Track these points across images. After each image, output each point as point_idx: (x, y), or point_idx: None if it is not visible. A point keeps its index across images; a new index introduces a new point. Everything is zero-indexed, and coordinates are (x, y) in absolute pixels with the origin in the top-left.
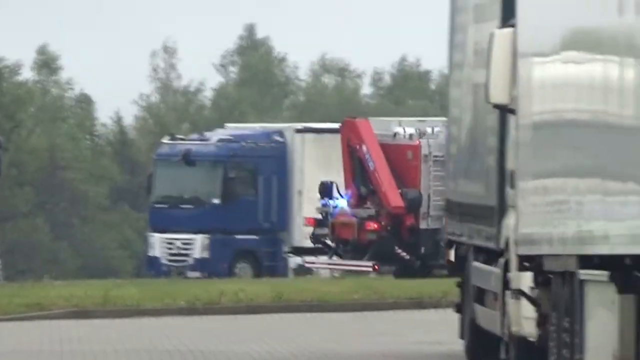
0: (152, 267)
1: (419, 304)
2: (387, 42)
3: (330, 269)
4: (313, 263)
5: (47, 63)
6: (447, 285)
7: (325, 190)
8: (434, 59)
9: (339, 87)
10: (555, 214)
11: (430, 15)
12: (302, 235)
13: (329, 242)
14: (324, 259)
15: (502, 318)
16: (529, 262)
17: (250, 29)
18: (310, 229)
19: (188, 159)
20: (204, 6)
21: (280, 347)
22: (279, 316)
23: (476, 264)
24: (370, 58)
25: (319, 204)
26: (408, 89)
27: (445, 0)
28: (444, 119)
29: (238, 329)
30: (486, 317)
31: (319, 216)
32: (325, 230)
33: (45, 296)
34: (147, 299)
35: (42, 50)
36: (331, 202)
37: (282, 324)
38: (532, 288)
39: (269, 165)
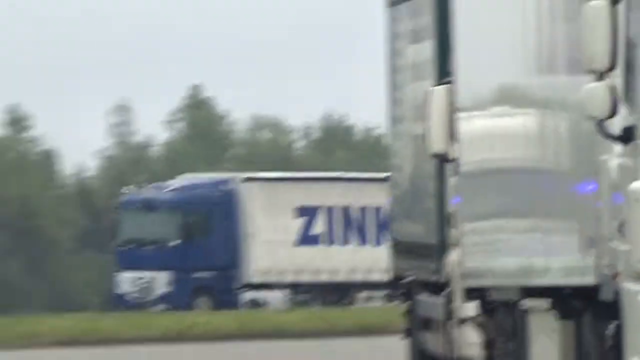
0: (120, 302)
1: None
2: (315, 100)
3: None
4: None
5: (16, 121)
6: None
7: None
8: (355, 114)
9: (273, 140)
10: (496, 251)
11: (352, 75)
12: (253, 273)
13: None
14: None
15: (447, 343)
16: (474, 293)
17: (195, 89)
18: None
19: (148, 206)
20: (155, 69)
21: None
22: (244, 344)
23: (421, 296)
24: (300, 114)
25: (269, 245)
26: (335, 141)
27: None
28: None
29: (209, 355)
30: (432, 342)
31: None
32: None
33: (36, 328)
34: (123, 329)
35: (11, 109)
36: None
37: (246, 350)
38: (477, 316)
39: (220, 211)
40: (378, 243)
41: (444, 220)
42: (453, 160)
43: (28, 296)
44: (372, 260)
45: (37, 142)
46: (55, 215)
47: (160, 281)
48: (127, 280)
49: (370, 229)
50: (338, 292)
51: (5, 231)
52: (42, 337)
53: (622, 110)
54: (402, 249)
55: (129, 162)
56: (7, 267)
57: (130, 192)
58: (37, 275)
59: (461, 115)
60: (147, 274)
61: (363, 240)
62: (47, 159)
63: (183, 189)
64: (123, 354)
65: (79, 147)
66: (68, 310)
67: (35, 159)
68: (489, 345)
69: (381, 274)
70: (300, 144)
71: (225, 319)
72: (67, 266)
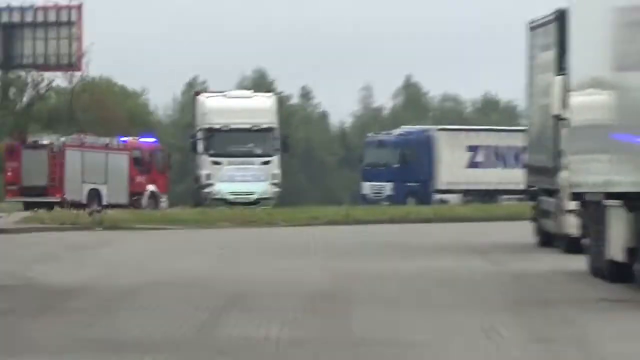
0: (364, 200)
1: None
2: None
3: None
4: None
5: (304, 94)
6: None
7: None
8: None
9: (454, 108)
10: (588, 171)
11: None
12: (441, 183)
13: None
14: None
15: (557, 225)
16: (575, 196)
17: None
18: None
19: (381, 144)
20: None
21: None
22: (436, 224)
23: (543, 198)
24: (470, 91)
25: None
26: (490, 109)
27: None
28: None
29: (420, 230)
30: (549, 225)
31: None
32: None
33: (313, 214)
34: (366, 215)
35: (303, 87)
36: None
37: (436, 227)
38: (576, 209)
39: (423, 147)
40: (515, 167)
41: (558, 153)
42: (565, 119)
43: (308, 196)
44: (511, 177)
45: (316, 106)
46: (326, 149)
47: (387, 188)
48: (368, 187)
49: (510, 159)
50: (490, 195)
51: (296, 159)
52: (317, 219)
53: None
54: (532, 170)
55: (370, 119)
56: (296, 179)
57: (371, 136)
58: (314, 184)
59: (571, 93)
60: (379, 184)
61: (505, 165)
62: (323, 117)
63: (401, 134)
64: (365, 229)
65: (341, 109)
66: (332, 204)
67: (315, 117)
68: (583, 227)
69: (516, 185)
70: (469, 109)
71: (425, 210)
72: (332, 179)
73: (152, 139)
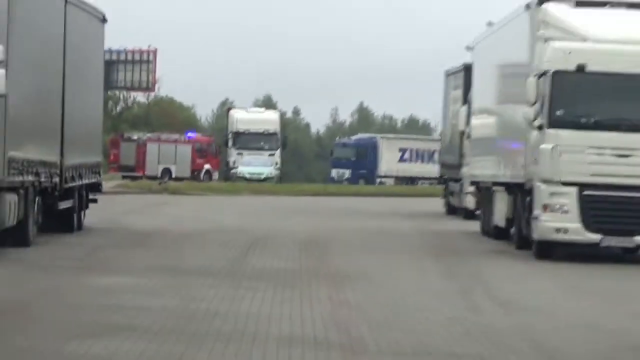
0: (331, 181)
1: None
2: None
3: None
4: None
5: None
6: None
7: None
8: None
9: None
10: (482, 167)
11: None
12: (381, 172)
13: None
14: None
15: (460, 202)
16: (473, 183)
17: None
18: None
19: (344, 145)
20: None
21: None
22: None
23: (451, 183)
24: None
25: None
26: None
27: None
28: None
29: None
30: (454, 201)
31: None
32: None
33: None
34: (336, 190)
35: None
36: None
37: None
38: (473, 191)
39: (371, 148)
40: (429, 163)
41: (461, 155)
42: (467, 133)
43: (297, 177)
44: (427, 169)
45: (302, 119)
46: (308, 147)
47: (347, 173)
48: (334, 172)
49: (426, 158)
50: (412, 181)
51: (289, 152)
52: (304, 192)
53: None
54: (444, 165)
55: (336, 129)
56: (289, 166)
57: (337, 139)
58: (300, 169)
59: (473, 116)
60: (342, 170)
61: (423, 161)
62: (307, 126)
63: (357, 139)
64: (335, 199)
65: (319, 122)
66: (312, 183)
67: (302, 126)
68: (477, 203)
69: (430, 174)
70: (400, 125)
71: (371, 188)
72: (311, 166)
73: (197, 134)
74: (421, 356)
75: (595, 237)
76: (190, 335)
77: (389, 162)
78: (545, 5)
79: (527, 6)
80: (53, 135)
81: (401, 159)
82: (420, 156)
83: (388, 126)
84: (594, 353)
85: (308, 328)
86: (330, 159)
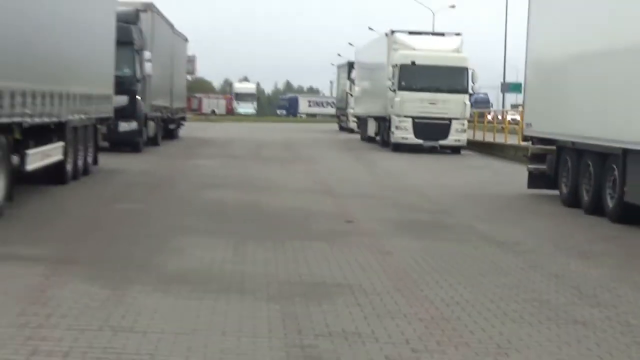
0: None
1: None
2: None
3: None
4: None
5: None
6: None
7: None
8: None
9: None
10: (363, 108)
11: None
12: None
13: None
14: None
15: (347, 124)
16: (356, 116)
17: None
18: None
19: None
20: None
21: None
22: None
23: (341, 116)
24: None
25: None
26: None
27: None
28: None
29: None
30: (344, 124)
31: None
32: None
33: None
34: None
35: None
36: None
37: None
38: (356, 120)
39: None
40: (322, 107)
41: (346, 104)
42: (350, 94)
43: None
44: (327, 111)
45: None
46: None
47: None
48: None
49: (322, 105)
50: (313, 116)
51: None
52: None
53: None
54: (338, 108)
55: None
56: None
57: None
58: None
59: (354, 85)
60: None
61: (319, 107)
62: None
63: None
64: None
65: None
66: None
67: None
68: (358, 125)
69: (328, 113)
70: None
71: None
72: None
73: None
74: (362, 198)
75: (420, 141)
76: (252, 186)
77: (302, 106)
78: (395, 34)
79: (386, 34)
80: (168, 93)
81: (309, 106)
82: (319, 104)
83: (300, 91)
84: (444, 195)
85: (305, 183)
86: (277, 105)
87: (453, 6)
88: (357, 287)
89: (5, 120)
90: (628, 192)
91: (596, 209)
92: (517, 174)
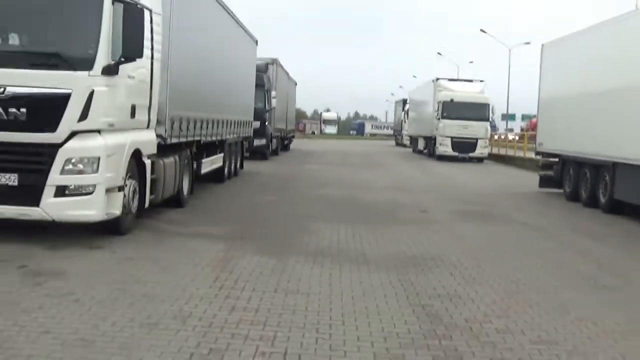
0: None
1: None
2: None
3: None
4: None
5: None
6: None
7: None
8: None
9: None
10: (415, 130)
11: None
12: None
13: None
14: None
15: (402, 141)
16: (409, 136)
17: None
18: None
19: None
20: None
21: None
22: None
23: (397, 135)
24: None
25: None
26: None
27: None
28: None
29: None
30: (399, 141)
31: None
32: None
33: None
34: None
35: None
36: None
37: None
38: (408, 138)
39: None
40: (383, 129)
41: (401, 127)
42: (403, 121)
43: None
44: (383, 132)
45: None
46: None
47: None
48: None
49: (381, 128)
50: (374, 135)
51: None
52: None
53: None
54: (395, 130)
55: None
56: None
57: None
58: None
59: (407, 116)
60: None
61: (380, 129)
62: None
63: None
64: None
65: None
66: None
67: None
68: (410, 142)
69: (387, 133)
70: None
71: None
72: None
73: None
74: (428, 193)
75: (456, 154)
76: (347, 185)
77: (367, 128)
78: (439, 80)
79: (432, 81)
80: (284, 119)
81: (371, 128)
82: (378, 127)
83: (365, 117)
84: (484, 192)
85: (385, 182)
86: (350, 127)
87: (471, 62)
88: (447, 260)
89: (190, 139)
90: (616, 191)
91: (591, 203)
92: (527, 178)
